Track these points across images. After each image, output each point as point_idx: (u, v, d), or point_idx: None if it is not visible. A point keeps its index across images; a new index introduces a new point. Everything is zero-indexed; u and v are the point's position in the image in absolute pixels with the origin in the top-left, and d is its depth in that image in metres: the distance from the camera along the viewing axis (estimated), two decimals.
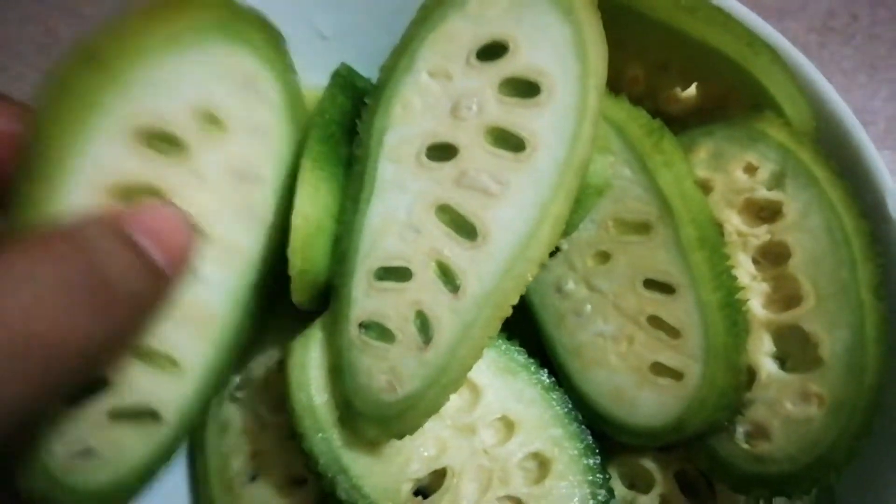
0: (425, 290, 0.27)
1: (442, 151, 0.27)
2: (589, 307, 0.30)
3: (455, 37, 0.28)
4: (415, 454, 0.28)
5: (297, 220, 0.27)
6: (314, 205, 0.27)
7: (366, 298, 0.27)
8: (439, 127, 0.27)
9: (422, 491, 0.29)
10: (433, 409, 0.26)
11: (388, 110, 0.28)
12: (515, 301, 0.26)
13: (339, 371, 0.28)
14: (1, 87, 0.50)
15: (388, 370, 0.27)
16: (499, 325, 0.26)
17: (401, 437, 0.27)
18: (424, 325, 0.27)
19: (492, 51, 0.27)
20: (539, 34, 0.27)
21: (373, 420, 0.27)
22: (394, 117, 0.28)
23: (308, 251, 0.27)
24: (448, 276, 0.27)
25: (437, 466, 0.28)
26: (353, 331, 0.27)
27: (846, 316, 0.26)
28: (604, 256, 0.30)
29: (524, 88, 0.27)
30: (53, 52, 0.51)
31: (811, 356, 0.27)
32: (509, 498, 0.29)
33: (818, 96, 0.31)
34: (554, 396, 0.30)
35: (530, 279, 0.26)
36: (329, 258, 0.28)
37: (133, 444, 0.25)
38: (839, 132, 0.31)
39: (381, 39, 0.33)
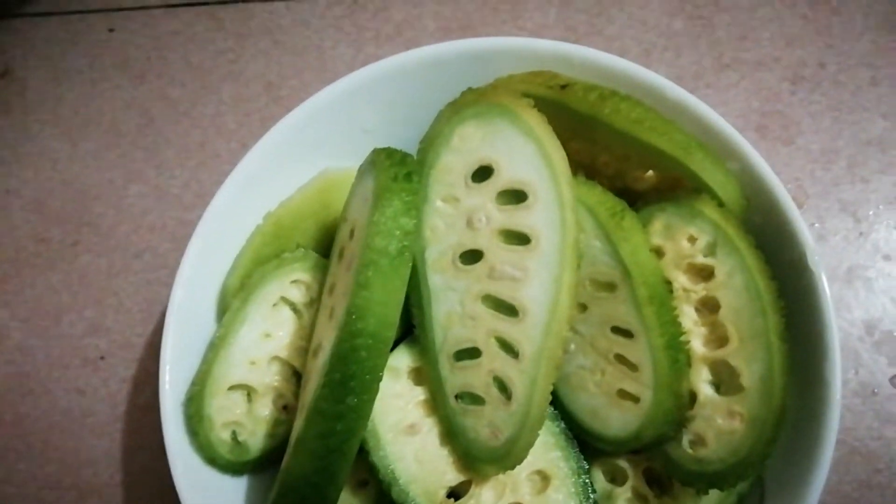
0: (494, 360, 0.36)
1: (470, 256, 0.37)
2: (573, 346, 0.39)
3: (451, 168, 0.37)
4: (449, 468, 0.38)
5: None
6: None
7: (453, 376, 0.37)
8: (462, 238, 0.37)
9: (454, 494, 0.38)
10: (530, 444, 0.35)
11: (421, 235, 0.38)
12: (561, 353, 0.35)
13: (451, 433, 0.38)
14: (108, 162, 0.62)
15: (487, 424, 0.36)
16: (556, 372, 0.35)
17: (514, 468, 0.36)
18: (503, 386, 0.36)
19: (482, 172, 0.37)
20: (512, 154, 0.36)
21: (488, 462, 0.36)
22: (426, 239, 0.38)
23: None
24: (507, 347, 0.36)
25: (465, 477, 0.38)
26: (451, 402, 0.37)
27: (760, 354, 0.35)
28: (583, 307, 0.39)
29: (515, 196, 0.36)
30: (150, 132, 0.63)
31: (735, 384, 0.35)
32: None
33: (753, 170, 0.39)
34: (555, 426, 0.39)
35: (566, 334, 0.35)
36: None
37: None
38: (770, 198, 0.39)
39: (409, 131, 0.44)
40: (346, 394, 0.33)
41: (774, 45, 0.57)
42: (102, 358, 0.55)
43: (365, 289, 0.33)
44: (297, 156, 0.46)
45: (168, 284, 0.57)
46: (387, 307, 0.34)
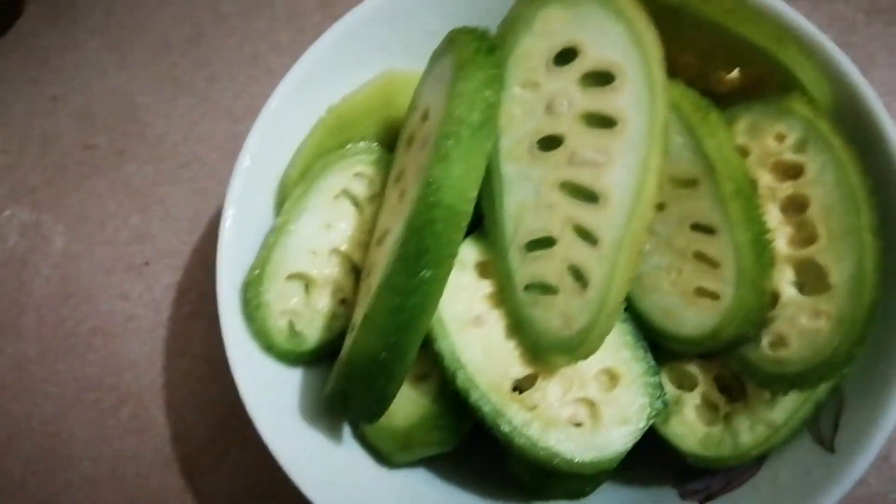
0: (570, 248, 0.35)
1: (549, 142, 0.35)
2: (649, 246, 0.38)
3: (531, 52, 0.36)
4: (515, 361, 0.37)
5: None
6: None
7: (523, 267, 0.36)
8: (541, 125, 0.35)
9: (519, 387, 0.36)
10: (605, 332, 0.34)
11: (496, 123, 0.36)
12: (644, 240, 0.33)
13: (520, 325, 0.36)
14: (157, 73, 0.61)
15: (559, 314, 0.35)
16: (638, 259, 0.33)
17: (586, 357, 0.34)
18: (578, 274, 0.34)
19: (564, 56, 0.35)
20: (600, 35, 0.34)
21: (559, 352, 0.35)
22: (501, 128, 0.36)
23: None
24: (585, 234, 0.34)
25: (532, 370, 0.37)
26: (520, 294, 0.36)
27: (850, 251, 0.33)
28: (660, 206, 0.37)
29: (600, 78, 0.35)
30: (201, 44, 0.61)
31: (822, 283, 0.34)
32: (585, 400, 0.36)
33: (841, 72, 0.37)
34: (626, 326, 0.38)
35: (649, 220, 0.33)
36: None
37: None
38: (857, 101, 0.37)
39: None
40: (420, 268, 0.32)
41: None
42: (147, 264, 0.55)
43: (444, 160, 0.32)
44: (360, 55, 0.45)
45: (216, 195, 0.56)
46: (466, 181, 0.32)
